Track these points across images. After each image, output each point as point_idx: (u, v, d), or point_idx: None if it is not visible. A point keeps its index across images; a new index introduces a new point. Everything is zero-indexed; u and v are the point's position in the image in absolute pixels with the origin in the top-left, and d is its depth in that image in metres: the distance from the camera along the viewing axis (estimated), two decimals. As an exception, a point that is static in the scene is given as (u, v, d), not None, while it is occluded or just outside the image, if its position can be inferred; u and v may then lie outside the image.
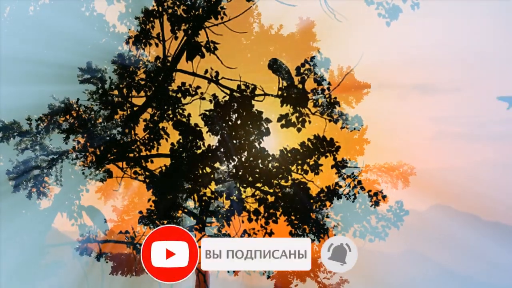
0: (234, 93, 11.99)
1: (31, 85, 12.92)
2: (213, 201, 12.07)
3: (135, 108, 12.33)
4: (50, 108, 11.48)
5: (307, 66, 12.15)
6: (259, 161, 12.08)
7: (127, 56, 11.91)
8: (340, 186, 12.39)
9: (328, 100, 12.21)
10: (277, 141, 12.68)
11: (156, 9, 12.12)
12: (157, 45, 12.36)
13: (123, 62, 11.93)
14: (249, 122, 11.85)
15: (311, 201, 12.21)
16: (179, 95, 12.21)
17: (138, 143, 12.37)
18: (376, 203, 12.33)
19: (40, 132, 11.52)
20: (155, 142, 12.44)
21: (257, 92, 12.08)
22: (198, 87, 12.23)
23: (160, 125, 12.36)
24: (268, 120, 11.92)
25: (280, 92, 12.19)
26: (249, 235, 12.35)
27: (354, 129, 12.27)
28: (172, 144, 12.09)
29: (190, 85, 12.25)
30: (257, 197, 12.27)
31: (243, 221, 12.27)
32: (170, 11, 12.11)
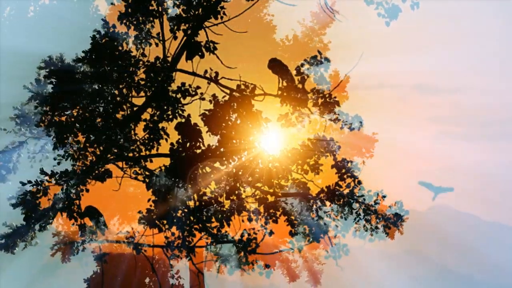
0: (234, 93, 11.95)
1: (29, 82, 12.93)
2: (213, 201, 12.05)
3: (135, 108, 12.30)
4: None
5: (307, 66, 12.13)
6: (259, 161, 12.06)
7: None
8: (340, 186, 12.38)
9: (328, 100, 12.18)
10: (277, 141, 12.65)
11: (156, 9, 12.08)
12: (157, 45, 12.33)
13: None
14: (249, 122, 11.82)
15: (311, 201, 12.20)
16: (179, 95, 12.15)
17: (138, 143, 12.35)
18: (377, 203, 12.34)
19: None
20: (155, 142, 12.41)
21: (257, 91, 12.04)
22: (198, 87, 12.18)
23: (160, 125, 12.32)
24: (268, 120, 11.90)
25: (280, 92, 12.16)
26: (249, 235, 12.34)
27: (354, 128, 12.25)
28: (172, 144, 12.07)
29: (190, 85, 12.19)
30: (257, 197, 12.26)
31: (243, 221, 12.25)
32: (169, 10, 12.09)
